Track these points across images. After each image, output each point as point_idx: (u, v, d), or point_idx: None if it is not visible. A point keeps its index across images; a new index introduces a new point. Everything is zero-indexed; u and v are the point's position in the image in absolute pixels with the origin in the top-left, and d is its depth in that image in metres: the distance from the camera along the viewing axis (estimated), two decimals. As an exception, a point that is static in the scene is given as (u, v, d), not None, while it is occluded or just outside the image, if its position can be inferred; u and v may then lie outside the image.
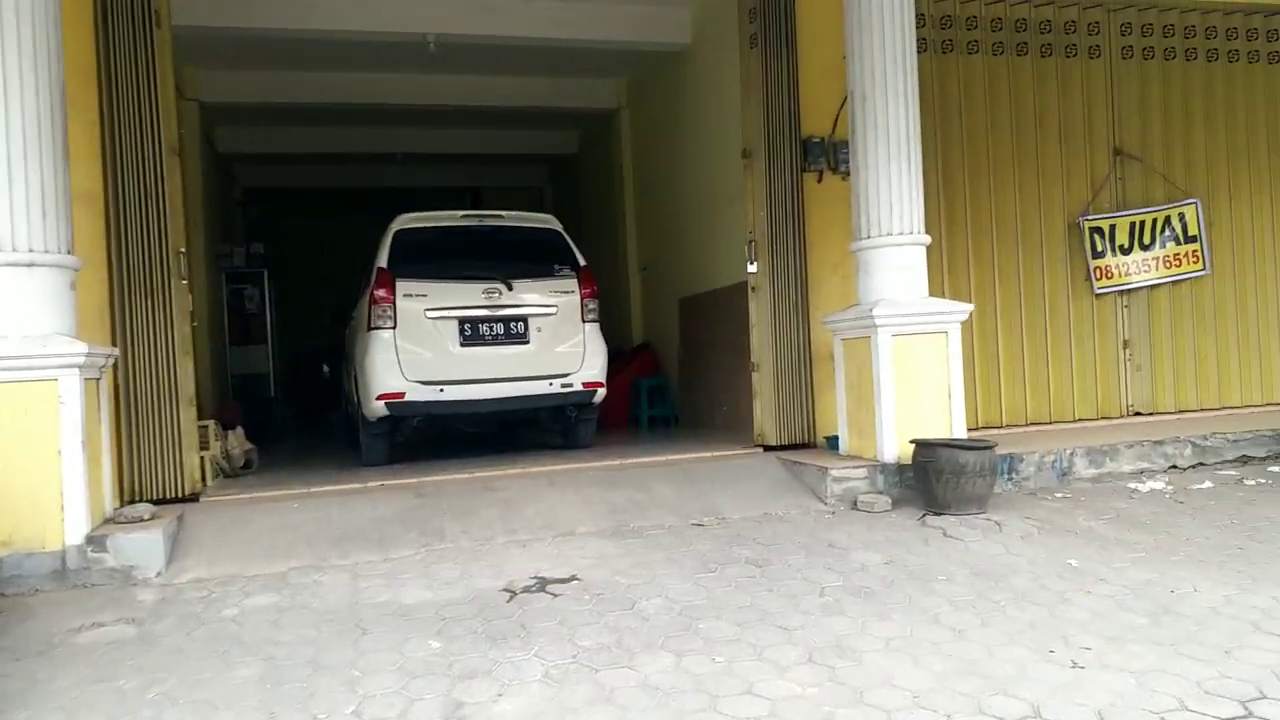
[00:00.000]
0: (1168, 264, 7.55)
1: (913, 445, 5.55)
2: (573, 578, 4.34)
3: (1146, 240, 7.51)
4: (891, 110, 5.87)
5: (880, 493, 5.65)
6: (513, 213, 7.50)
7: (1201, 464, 6.31)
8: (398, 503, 5.38)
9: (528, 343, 6.86)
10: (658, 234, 10.28)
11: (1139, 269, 7.50)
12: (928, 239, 5.96)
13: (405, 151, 12.75)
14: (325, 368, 12.84)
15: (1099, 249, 7.42)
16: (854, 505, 5.57)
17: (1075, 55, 7.49)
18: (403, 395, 6.55)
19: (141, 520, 4.66)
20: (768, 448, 6.58)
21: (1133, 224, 7.50)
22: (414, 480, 5.87)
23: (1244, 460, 6.39)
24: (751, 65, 6.75)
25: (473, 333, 6.74)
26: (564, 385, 6.89)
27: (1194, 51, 7.79)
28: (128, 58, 5.43)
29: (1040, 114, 7.41)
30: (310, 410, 12.95)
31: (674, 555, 4.67)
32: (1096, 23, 7.53)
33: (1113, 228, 7.46)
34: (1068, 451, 6.06)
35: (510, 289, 6.86)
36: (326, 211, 16.57)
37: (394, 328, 6.61)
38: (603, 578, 4.33)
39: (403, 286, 6.67)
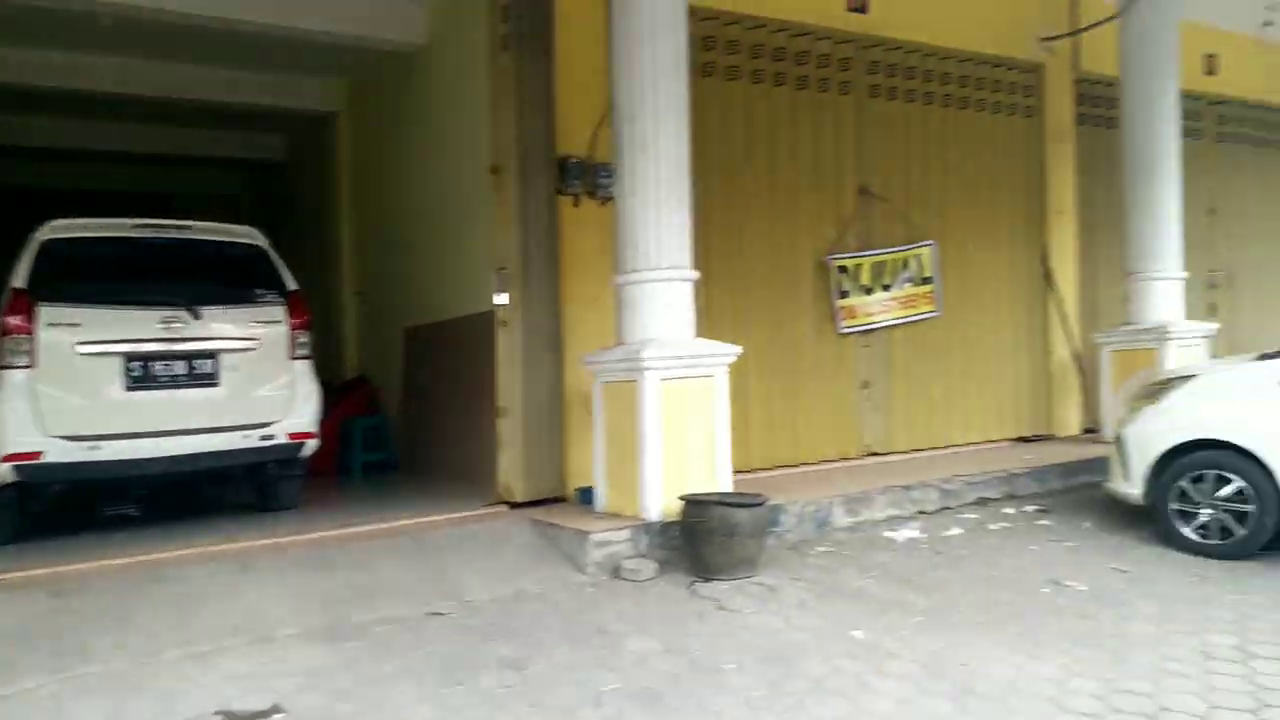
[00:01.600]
0: (905, 305, 7.65)
1: (681, 502, 4.99)
2: (274, 709, 3.29)
3: (887, 281, 7.56)
4: (663, 133, 5.35)
5: (644, 556, 5.02)
6: (204, 224, 6.15)
7: (946, 508, 6.31)
8: (22, 607, 3.99)
9: (218, 385, 5.57)
10: (381, 255, 9.17)
11: (880, 309, 7.53)
12: (696, 274, 5.47)
13: (81, 147, 10.64)
14: None
15: (844, 289, 7.36)
16: (616, 573, 4.89)
17: (828, 90, 7.42)
18: (39, 456, 5.03)
19: None
20: (514, 505, 5.78)
21: (875, 264, 7.52)
22: (47, 570, 4.44)
23: (982, 502, 6.47)
24: (504, 71, 5.99)
25: (144, 373, 5.34)
26: (264, 438, 5.66)
27: (932, 95, 8.01)
28: None
29: (793, 148, 7.24)
30: None
31: (410, 662, 3.72)
32: (848, 59, 7.52)
33: (858, 267, 7.44)
34: (827, 501, 5.80)
35: (197, 317, 5.55)
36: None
37: (30, 367, 5.08)
38: (316, 706, 3.32)
39: (47, 313, 5.15)
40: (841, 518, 5.84)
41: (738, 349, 5.48)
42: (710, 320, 6.65)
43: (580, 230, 6.22)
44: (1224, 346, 8.64)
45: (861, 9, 7.57)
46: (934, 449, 7.77)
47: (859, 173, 7.55)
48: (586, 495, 5.72)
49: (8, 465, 5.01)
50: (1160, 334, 7.54)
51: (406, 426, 8.43)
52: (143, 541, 5.11)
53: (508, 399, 5.91)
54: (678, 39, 5.39)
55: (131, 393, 5.30)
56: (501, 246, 6.01)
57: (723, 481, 5.34)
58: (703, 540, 4.78)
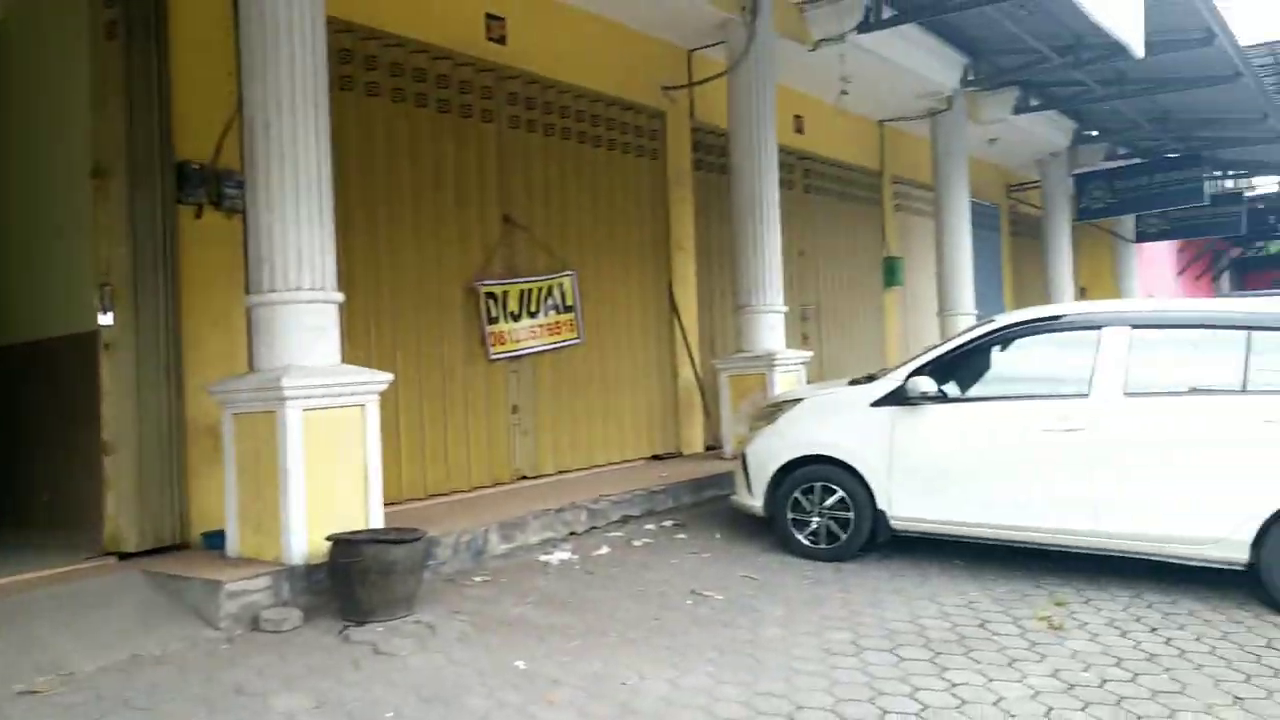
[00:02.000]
0: (551, 332, 7.85)
1: (329, 543, 4.65)
2: None
3: (534, 308, 7.71)
4: (302, 143, 4.98)
5: (287, 604, 4.61)
6: None
7: (595, 528, 6.54)
8: None
9: None
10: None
11: (527, 336, 7.65)
12: (341, 296, 5.16)
13: None
14: None
15: (493, 315, 7.38)
16: (256, 625, 4.43)
17: (471, 116, 7.40)
18: None
19: None
20: (124, 555, 5.03)
21: (522, 291, 7.64)
22: None
23: (626, 520, 6.79)
24: (110, 61, 5.27)
25: None
26: None
27: (570, 130, 8.31)
28: None
29: (438, 172, 7.11)
30: None
31: (-3, 759, 3.08)
32: (489, 87, 7.56)
33: (505, 294, 7.50)
34: (482, 529, 5.74)
35: None
36: None
37: None
38: None
39: None
40: (497, 545, 5.81)
41: (389, 376, 5.25)
42: (355, 345, 6.33)
43: (203, 244, 5.64)
44: (816, 372, 9.92)
45: (500, 40, 7.68)
46: (580, 470, 8.05)
47: (502, 201, 7.63)
48: (215, 540, 5.14)
49: None
50: (768, 360, 8.47)
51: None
52: None
53: (115, 433, 5.16)
54: (317, 43, 5.07)
55: None
56: (106, 259, 5.26)
57: (376, 517, 5.07)
58: (355, 582, 4.49)
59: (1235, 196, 20.22)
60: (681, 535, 6.50)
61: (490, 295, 7.38)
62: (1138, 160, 16.61)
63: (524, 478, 7.56)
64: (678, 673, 3.92)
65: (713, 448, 9.23)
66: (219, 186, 5.69)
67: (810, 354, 9.22)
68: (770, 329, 8.70)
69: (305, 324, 4.95)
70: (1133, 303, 5.90)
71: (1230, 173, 20.00)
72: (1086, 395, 5.27)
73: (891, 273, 13.12)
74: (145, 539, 5.11)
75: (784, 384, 8.38)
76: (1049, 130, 14.59)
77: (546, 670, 3.97)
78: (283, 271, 4.94)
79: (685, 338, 9.29)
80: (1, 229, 6.78)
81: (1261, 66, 13.21)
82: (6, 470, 6.76)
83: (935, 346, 6.03)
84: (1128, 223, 18.52)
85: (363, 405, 5.09)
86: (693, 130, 9.72)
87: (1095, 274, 18.80)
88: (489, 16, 7.62)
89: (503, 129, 7.68)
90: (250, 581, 4.52)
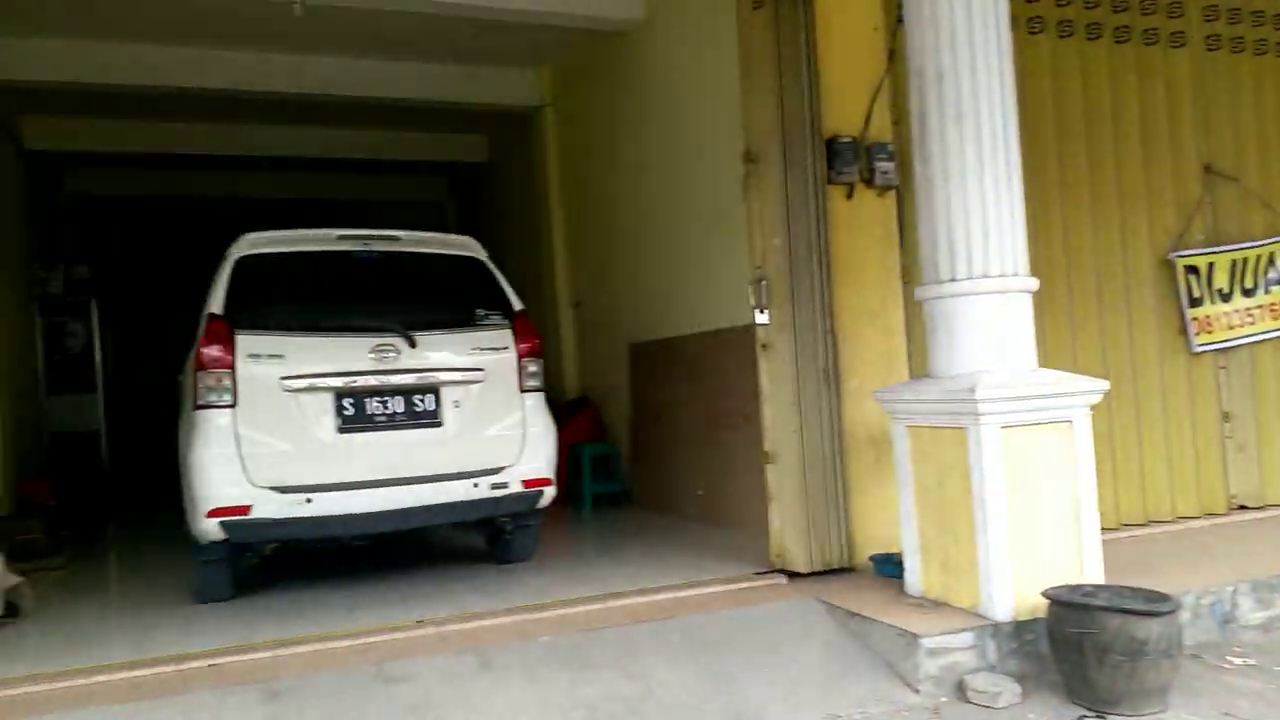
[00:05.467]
0: (1273, 315, 5.91)
1: (1042, 599, 3.65)
2: None
3: (1248, 284, 5.85)
4: (984, 94, 4.02)
5: (994, 670, 3.71)
6: (415, 234, 5.30)
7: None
8: (234, 713, 3.19)
9: (441, 424, 4.70)
10: (598, 262, 8.23)
11: (1241, 321, 5.82)
12: (1035, 283, 4.11)
13: (272, 155, 10.34)
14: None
15: (1195, 295, 5.71)
16: (962, 695, 3.60)
17: (1156, 42, 5.79)
18: (248, 510, 4.31)
19: None
20: (792, 574, 4.60)
21: (1233, 262, 5.83)
22: (267, 654, 3.71)
23: None
24: (757, 33, 4.79)
25: (357, 411, 4.53)
26: (496, 486, 4.75)
27: (1291, 43, 6.23)
28: None
29: (1116, 116, 5.65)
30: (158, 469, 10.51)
31: None
32: (1179, 2, 5.88)
33: (1211, 266, 5.77)
34: (1229, 589, 4.23)
35: (413, 345, 4.72)
36: (180, 229, 13.65)
37: (233, 405, 4.36)
38: None
39: (246, 343, 4.43)
40: (1250, 611, 4.26)
41: (1102, 384, 4.06)
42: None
43: (854, 228, 4.97)
44: None
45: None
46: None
47: (1201, 148, 5.85)
48: (886, 568, 4.48)
49: (213, 521, 4.30)
50: None
51: (638, 457, 7.45)
52: (367, 607, 4.41)
53: (776, 441, 4.71)
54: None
55: (344, 434, 4.52)
56: (760, 250, 4.81)
57: (1092, 566, 3.93)
58: (1089, 659, 3.42)
59: None
60: None
61: (1191, 269, 5.72)
62: None
63: (1242, 507, 5.75)
64: None
65: None
66: (869, 161, 4.99)
67: None
68: None
69: (994, 320, 3.99)
70: None
71: None
72: None
73: None
74: (813, 560, 4.59)
75: None
76: None
77: None
78: (965, 255, 4.02)
79: None
80: (651, 225, 7.00)
81: None
82: (662, 461, 7.00)
83: None
84: None
85: (1070, 421, 3.97)
86: None
87: None
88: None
89: (1198, 55, 5.92)
90: (951, 638, 3.69)
